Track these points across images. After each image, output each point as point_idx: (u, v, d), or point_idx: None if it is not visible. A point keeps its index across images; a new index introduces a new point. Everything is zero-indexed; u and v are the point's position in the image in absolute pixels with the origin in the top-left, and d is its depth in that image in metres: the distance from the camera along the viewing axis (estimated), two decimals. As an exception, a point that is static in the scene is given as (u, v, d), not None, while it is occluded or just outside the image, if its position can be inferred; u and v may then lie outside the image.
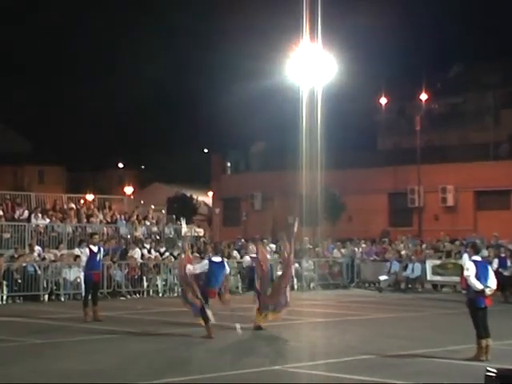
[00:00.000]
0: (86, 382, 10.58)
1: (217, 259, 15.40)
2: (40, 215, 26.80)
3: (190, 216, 51.93)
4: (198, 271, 15.28)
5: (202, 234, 32.03)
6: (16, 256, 23.44)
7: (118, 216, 29.16)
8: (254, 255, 17.39)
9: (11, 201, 27.68)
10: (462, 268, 19.58)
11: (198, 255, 26.20)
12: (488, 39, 69.58)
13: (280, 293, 16.15)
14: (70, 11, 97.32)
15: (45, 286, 22.98)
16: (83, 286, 20.17)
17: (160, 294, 24.59)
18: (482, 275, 12.39)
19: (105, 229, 27.81)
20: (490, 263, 22.39)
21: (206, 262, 15.43)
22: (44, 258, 23.97)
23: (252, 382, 10.70)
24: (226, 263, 15.75)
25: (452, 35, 76.45)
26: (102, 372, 11.30)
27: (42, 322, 17.43)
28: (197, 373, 11.13)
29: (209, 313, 14.85)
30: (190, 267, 15.34)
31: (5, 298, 22.20)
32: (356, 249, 30.58)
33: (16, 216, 26.47)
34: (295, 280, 28.46)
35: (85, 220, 27.91)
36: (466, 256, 20.69)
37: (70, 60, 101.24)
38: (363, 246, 30.89)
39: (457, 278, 25.04)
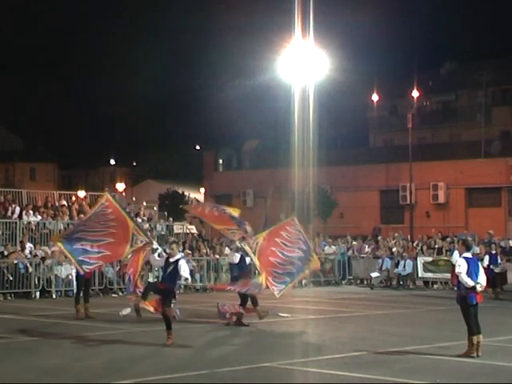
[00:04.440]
0: (76, 379, 10.58)
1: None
2: (31, 212, 26.72)
3: (182, 213, 51.81)
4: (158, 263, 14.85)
5: (194, 230, 32.00)
6: (6, 253, 23.37)
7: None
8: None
9: (4, 197, 27.58)
10: (453, 265, 19.65)
11: (189, 252, 26.22)
12: (479, 37, 69.82)
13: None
14: (69, 10, 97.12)
15: (36, 283, 22.93)
16: (75, 283, 20.23)
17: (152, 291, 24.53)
18: (473, 272, 12.43)
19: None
20: (481, 260, 22.54)
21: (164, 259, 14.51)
22: (35, 255, 23.92)
23: (242, 379, 10.72)
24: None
25: (444, 33, 76.67)
26: (93, 369, 11.29)
27: (33, 319, 17.39)
28: (186, 370, 11.14)
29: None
30: (154, 258, 14.72)
31: (-4, 295, 22.16)
32: (344, 245, 30.58)
33: (8, 213, 26.37)
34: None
35: (76, 217, 27.82)
36: (456, 253, 20.84)
37: (63, 58, 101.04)
38: (354, 243, 30.92)
39: (448, 275, 25.09)
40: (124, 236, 15.13)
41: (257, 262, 16.59)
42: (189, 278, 14.67)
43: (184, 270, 13.96)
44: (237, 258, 16.90)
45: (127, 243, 15.12)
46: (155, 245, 15.12)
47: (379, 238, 32.37)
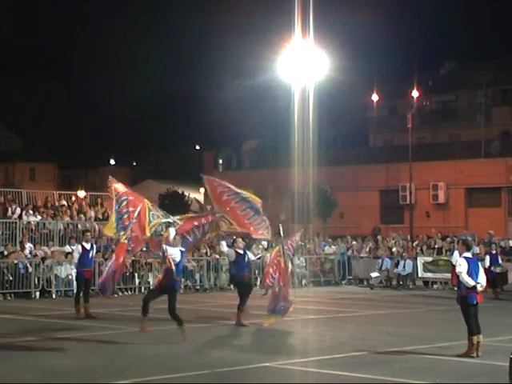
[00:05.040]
0: (76, 379, 10.58)
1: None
2: (31, 212, 26.72)
3: (182, 213, 51.72)
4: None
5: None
6: (6, 253, 23.37)
7: (110, 213, 29.02)
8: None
9: (4, 197, 27.58)
10: (453, 265, 19.65)
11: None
12: (479, 37, 69.80)
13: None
14: (69, 10, 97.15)
15: (36, 283, 22.93)
16: (75, 283, 20.23)
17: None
18: (473, 272, 12.43)
19: (96, 226, 27.73)
20: (482, 260, 22.54)
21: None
22: (35, 255, 23.92)
23: (242, 379, 10.71)
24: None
25: (444, 33, 76.71)
26: (93, 369, 11.29)
27: (33, 319, 17.40)
28: (186, 370, 11.13)
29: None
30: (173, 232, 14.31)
31: (-4, 295, 22.16)
32: (344, 245, 30.60)
33: (8, 213, 26.36)
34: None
35: (76, 217, 27.83)
36: (456, 253, 20.84)
37: (63, 58, 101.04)
38: (354, 243, 30.93)
39: (448, 275, 25.08)
40: (142, 214, 15.12)
41: (239, 228, 16.54)
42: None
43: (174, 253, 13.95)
44: (223, 246, 17.16)
45: (146, 221, 15.08)
46: (170, 219, 15.09)
47: (378, 237, 32.36)
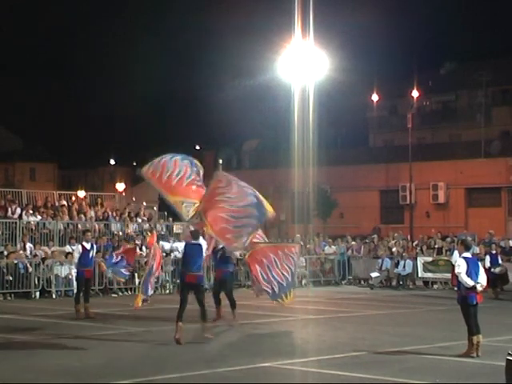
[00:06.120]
0: (76, 379, 10.58)
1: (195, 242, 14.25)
2: (31, 212, 26.71)
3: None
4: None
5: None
6: (6, 253, 23.36)
7: (110, 213, 29.10)
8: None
9: (4, 197, 27.57)
10: (453, 265, 19.66)
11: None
12: (479, 37, 69.80)
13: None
14: (69, 10, 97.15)
15: (36, 283, 22.92)
16: (75, 283, 20.24)
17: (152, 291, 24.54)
18: (473, 272, 12.44)
19: (96, 226, 27.74)
20: (481, 260, 22.53)
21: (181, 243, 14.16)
22: (35, 255, 23.91)
23: (242, 379, 10.71)
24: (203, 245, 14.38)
25: (444, 33, 76.70)
26: (93, 369, 11.29)
27: (33, 319, 17.39)
28: (186, 370, 11.13)
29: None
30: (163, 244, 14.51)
31: (-4, 295, 22.15)
32: (344, 245, 30.59)
33: (8, 213, 26.34)
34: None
35: (76, 217, 27.82)
36: (456, 253, 20.85)
37: (63, 58, 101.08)
38: (353, 243, 30.93)
39: (448, 275, 25.06)
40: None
41: (211, 232, 14.95)
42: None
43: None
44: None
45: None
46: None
47: (374, 236, 32.30)
